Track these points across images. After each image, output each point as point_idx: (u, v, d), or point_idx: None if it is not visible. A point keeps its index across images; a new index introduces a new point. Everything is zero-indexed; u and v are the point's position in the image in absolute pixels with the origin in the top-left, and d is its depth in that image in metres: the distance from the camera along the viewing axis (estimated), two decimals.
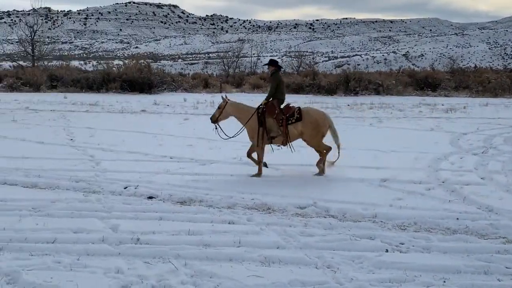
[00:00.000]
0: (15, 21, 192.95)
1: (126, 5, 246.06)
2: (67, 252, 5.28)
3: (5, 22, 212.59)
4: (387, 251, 5.52)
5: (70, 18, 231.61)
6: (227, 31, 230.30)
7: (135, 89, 34.62)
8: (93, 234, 5.83)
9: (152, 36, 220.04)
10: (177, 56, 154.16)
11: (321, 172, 9.14)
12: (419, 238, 5.92)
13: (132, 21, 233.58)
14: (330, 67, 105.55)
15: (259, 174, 9.05)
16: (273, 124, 9.04)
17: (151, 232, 5.95)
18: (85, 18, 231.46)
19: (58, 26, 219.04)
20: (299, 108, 9.18)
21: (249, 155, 9.40)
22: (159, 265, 5.01)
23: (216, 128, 9.41)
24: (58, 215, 6.59)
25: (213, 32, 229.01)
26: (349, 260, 5.21)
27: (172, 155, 11.05)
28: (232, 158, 10.78)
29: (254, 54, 78.98)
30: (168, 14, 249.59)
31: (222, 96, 9.66)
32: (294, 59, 62.39)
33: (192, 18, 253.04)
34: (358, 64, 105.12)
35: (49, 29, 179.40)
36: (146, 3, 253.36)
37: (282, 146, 9.35)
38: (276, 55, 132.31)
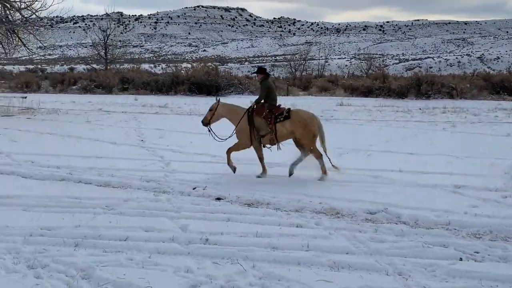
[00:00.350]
0: (89, 25, 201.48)
1: (194, 9, 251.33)
2: (138, 250, 5.46)
3: (79, 26, 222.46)
4: (461, 259, 5.35)
5: (141, 22, 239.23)
6: (294, 34, 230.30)
7: (202, 91, 35.26)
8: (164, 233, 5.99)
9: (220, 39, 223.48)
10: (244, 59, 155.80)
11: (324, 173, 9.11)
12: (495, 247, 5.69)
13: (201, 25, 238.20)
14: (400, 70, 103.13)
15: (263, 173, 9.31)
16: (261, 123, 9.28)
17: (219, 233, 6.04)
18: (155, 22, 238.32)
19: (130, 30, 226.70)
20: (288, 108, 9.48)
21: (229, 151, 9.51)
22: (228, 266, 5.08)
23: (209, 131, 9.68)
24: (130, 214, 6.82)
25: (280, 34, 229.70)
26: (421, 268, 5.09)
27: (238, 157, 11.14)
28: None
29: (322, 56, 78.57)
30: (236, 17, 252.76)
31: (216, 98, 9.98)
32: (363, 61, 61.56)
33: (260, 21, 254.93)
34: (430, 67, 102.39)
35: (121, 33, 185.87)
36: (214, 7, 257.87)
37: (271, 146, 9.45)
38: (345, 58, 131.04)
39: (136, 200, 7.51)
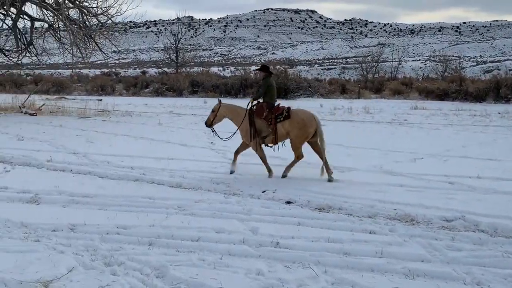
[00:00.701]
0: (161, 30, 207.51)
1: (264, 12, 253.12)
2: (210, 251, 5.56)
3: (152, 31, 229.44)
4: None
5: (211, 26, 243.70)
6: (366, 35, 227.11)
7: None
8: (234, 235, 6.07)
9: (289, 41, 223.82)
10: (313, 62, 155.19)
11: (284, 175, 9.33)
12: None
13: (270, 27, 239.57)
14: (478, 72, 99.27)
15: (270, 174, 9.47)
16: (262, 124, 9.43)
17: (290, 237, 6.05)
18: (225, 26, 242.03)
19: (200, 34, 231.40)
20: (288, 107, 9.56)
21: (237, 152, 9.81)
22: (299, 270, 5.08)
23: (213, 132, 9.97)
24: (201, 215, 6.95)
25: (352, 36, 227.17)
26: (502, 278, 4.89)
27: (309, 160, 11.08)
28: (373, 166, 10.59)
29: (395, 58, 77.00)
30: (306, 19, 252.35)
31: (218, 99, 10.19)
32: (439, 63, 59.80)
33: (330, 22, 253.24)
34: (510, 69, 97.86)
35: (191, 37, 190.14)
36: (284, 9, 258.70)
37: (273, 145, 9.61)
38: (419, 60, 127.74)
39: (207, 201, 7.65)
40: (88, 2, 24.76)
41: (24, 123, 18.47)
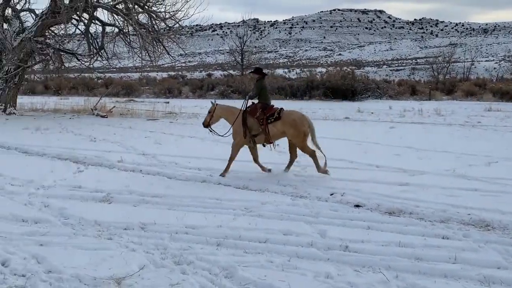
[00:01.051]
0: (226, 32, 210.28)
1: (330, 13, 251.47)
2: (278, 253, 5.59)
3: (217, 34, 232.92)
4: None
5: (276, 28, 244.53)
6: (437, 35, 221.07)
7: (338, 96, 35.14)
8: (302, 238, 6.07)
9: (356, 42, 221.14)
10: (381, 62, 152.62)
11: (324, 172, 9.57)
12: None
13: (336, 28, 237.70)
14: None
15: (224, 172, 9.75)
16: (253, 123, 9.84)
17: (360, 240, 5.99)
18: (290, 27, 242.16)
19: (265, 36, 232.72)
20: (281, 109, 9.95)
21: (255, 160, 10.27)
22: (369, 275, 5.02)
23: (210, 131, 10.41)
24: (268, 217, 6.99)
25: (422, 36, 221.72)
26: None
27: (378, 163, 10.96)
28: (445, 169, 10.29)
29: (467, 59, 74.51)
30: (374, 19, 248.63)
31: (211, 101, 10.61)
32: None
33: (399, 22, 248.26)
34: None
35: (257, 39, 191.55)
36: (351, 10, 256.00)
37: (267, 144, 10.11)
38: (493, 60, 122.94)
39: (273, 203, 7.68)
40: (156, 6, 25.42)
41: (96, 125, 19.19)
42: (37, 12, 25.74)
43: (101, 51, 26.08)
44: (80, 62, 26.49)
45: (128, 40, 25.94)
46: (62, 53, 25.49)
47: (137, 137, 15.75)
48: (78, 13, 24.48)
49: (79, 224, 6.68)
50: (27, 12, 26.36)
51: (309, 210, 7.31)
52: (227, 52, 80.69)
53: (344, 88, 35.27)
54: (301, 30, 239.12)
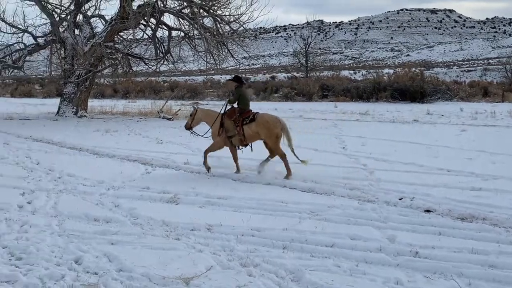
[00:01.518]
0: (290, 34, 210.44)
1: (398, 13, 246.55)
2: (345, 257, 5.55)
3: (281, 36, 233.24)
4: None
5: (341, 29, 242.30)
6: (510, 35, 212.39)
7: (406, 98, 34.38)
8: (370, 243, 6.00)
9: (425, 42, 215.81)
10: (452, 63, 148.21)
11: (289, 174, 9.91)
12: None
13: (404, 28, 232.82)
14: None
15: (207, 170, 10.51)
16: (230, 125, 10.47)
17: (430, 246, 5.85)
18: (356, 28, 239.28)
19: (330, 37, 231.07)
20: (256, 112, 10.59)
21: (235, 159, 10.71)
22: (441, 281, 4.90)
23: (192, 133, 11.16)
24: (335, 221, 6.95)
25: (494, 36, 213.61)
26: None
27: (449, 167, 10.66)
28: None
29: None
30: (443, 19, 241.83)
31: (193, 106, 11.38)
32: None
33: (470, 22, 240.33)
34: None
35: (321, 40, 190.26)
36: (419, 9, 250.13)
37: (242, 147, 10.65)
38: None
39: (340, 207, 7.62)
40: (221, 10, 25.79)
41: (162, 127, 19.67)
42: (106, 18, 26.78)
43: (167, 55, 26.74)
44: (147, 66, 27.27)
45: (193, 44, 26.46)
46: (130, 58, 26.34)
47: (202, 139, 15.92)
48: (145, 18, 25.20)
49: (147, 224, 6.88)
50: (97, 18, 27.47)
51: (377, 215, 7.20)
52: (291, 54, 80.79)
53: (412, 89, 34.44)
54: (367, 30, 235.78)
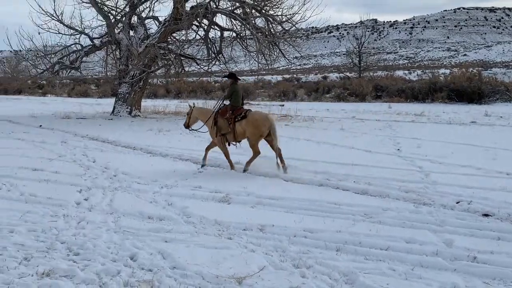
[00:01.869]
0: (343, 34, 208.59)
1: (455, 11, 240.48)
2: (400, 261, 5.47)
3: (333, 35, 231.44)
4: None
5: (396, 28, 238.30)
6: None
7: (463, 99, 33.53)
8: (426, 246, 5.89)
9: (483, 42, 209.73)
10: (511, 63, 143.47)
11: (245, 169, 10.69)
12: None
13: (461, 28, 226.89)
14: None
15: (231, 167, 11.00)
16: (223, 123, 10.99)
17: (489, 251, 5.71)
18: (411, 28, 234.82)
19: (384, 36, 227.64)
20: (248, 110, 11.04)
21: (207, 149, 11.57)
22: None
23: (190, 130, 11.96)
24: (390, 224, 6.85)
25: None
26: None
27: (508, 171, 10.34)
28: None
29: None
30: (502, 18, 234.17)
31: (189, 104, 12.00)
32: None
33: None
34: None
35: (375, 40, 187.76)
36: (477, 8, 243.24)
37: (236, 143, 11.24)
38: None
39: (395, 210, 7.51)
40: (273, 10, 25.83)
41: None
42: (160, 19, 27.28)
43: (219, 55, 27.00)
44: (199, 67, 27.62)
45: (245, 44, 26.62)
46: (183, 58, 26.71)
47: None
48: (198, 19, 25.54)
49: (200, 223, 6.98)
50: (151, 19, 28.00)
51: (434, 218, 7.06)
52: (343, 54, 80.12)
53: (470, 90, 33.53)
54: (423, 30, 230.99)
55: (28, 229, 6.63)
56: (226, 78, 12.20)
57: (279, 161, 10.56)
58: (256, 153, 10.76)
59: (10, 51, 35.76)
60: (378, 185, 9.10)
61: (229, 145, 11.26)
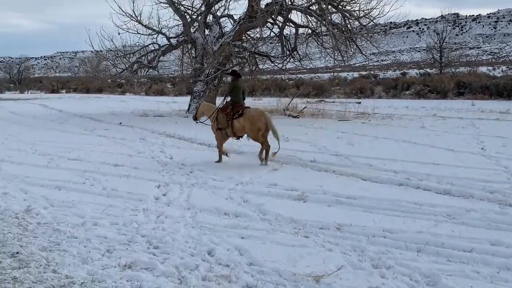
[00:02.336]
0: (423, 29, 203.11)
1: None
2: (485, 263, 5.29)
3: (413, 30, 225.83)
4: None
5: (479, 22, 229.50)
6: None
7: None
8: None
9: None
10: None
11: (262, 159, 11.55)
12: None
13: None
14: None
15: (219, 160, 11.85)
16: (222, 118, 11.85)
17: None
18: (495, 22, 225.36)
19: (466, 31, 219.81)
20: (246, 107, 11.88)
21: (219, 148, 12.17)
22: None
23: (197, 123, 13.08)
24: (473, 225, 6.63)
25: None
26: None
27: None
28: None
29: None
30: None
31: (199, 101, 12.96)
32: None
33: None
34: None
35: (456, 35, 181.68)
36: None
37: (237, 138, 12.11)
38: None
39: (479, 211, 7.24)
40: (350, 5, 25.55)
41: (288, 125, 19.90)
42: (235, 17, 27.64)
43: (294, 53, 26.99)
44: (273, 64, 27.72)
45: (321, 41, 26.47)
46: (257, 56, 26.89)
47: (328, 137, 16.00)
48: (273, 16, 25.66)
49: (276, 220, 7.02)
50: (226, 18, 28.41)
51: None
52: (423, 50, 77.94)
53: None
54: (508, 23, 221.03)
55: (111, 222, 6.94)
56: (231, 76, 12.92)
57: (263, 156, 11.51)
58: (263, 143, 11.53)
59: (92, 52, 37.30)
60: (461, 185, 8.82)
61: (237, 139, 12.16)
